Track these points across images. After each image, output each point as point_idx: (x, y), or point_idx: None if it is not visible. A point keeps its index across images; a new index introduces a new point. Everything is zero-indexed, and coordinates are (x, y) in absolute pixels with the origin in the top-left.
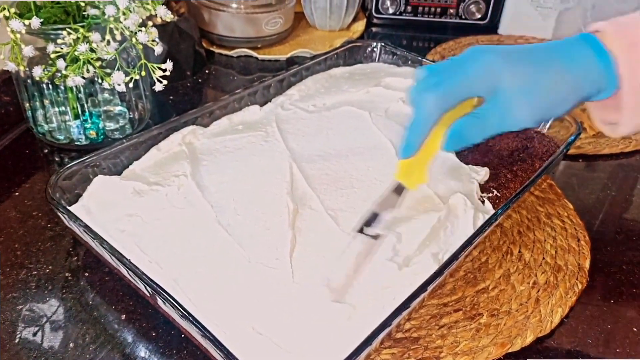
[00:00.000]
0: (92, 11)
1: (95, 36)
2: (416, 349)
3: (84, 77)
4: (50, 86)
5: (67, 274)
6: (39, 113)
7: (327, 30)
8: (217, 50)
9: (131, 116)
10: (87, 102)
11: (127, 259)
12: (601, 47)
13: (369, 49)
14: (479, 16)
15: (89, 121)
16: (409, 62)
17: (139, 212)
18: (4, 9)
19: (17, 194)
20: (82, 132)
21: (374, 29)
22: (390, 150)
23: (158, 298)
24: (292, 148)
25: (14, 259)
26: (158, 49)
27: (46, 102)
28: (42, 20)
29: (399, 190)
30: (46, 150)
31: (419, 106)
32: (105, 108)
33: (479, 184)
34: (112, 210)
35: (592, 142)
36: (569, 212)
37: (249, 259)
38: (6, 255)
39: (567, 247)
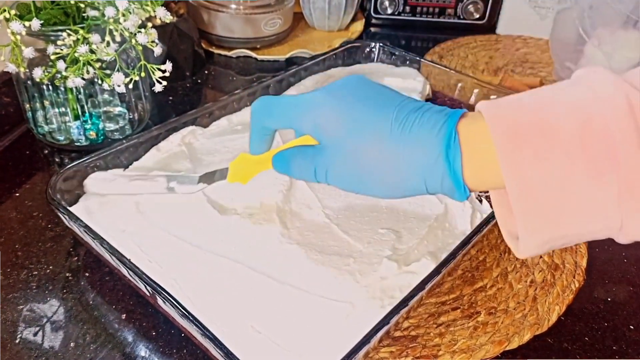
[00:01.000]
0: (91, 12)
1: (95, 37)
2: (414, 347)
3: (84, 78)
4: (50, 87)
5: (67, 274)
6: (39, 114)
7: (325, 31)
8: (216, 51)
9: (131, 117)
10: (87, 103)
11: (127, 258)
12: (453, 138)
13: (368, 49)
14: (477, 16)
15: (89, 122)
16: (408, 62)
17: (138, 212)
18: (5, 10)
19: (17, 194)
20: (82, 132)
21: (372, 29)
22: None
23: (158, 297)
24: None
25: (15, 260)
26: (157, 50)
27: (46, 103)
28: (42, 21)
29: (222, 174)
30: (46, 151)
31: (252, 115)
32: (105, 109)
33: None
34: (112, 211)
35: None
36: None
37: (247, 258)
38: (7, 256)
39: None
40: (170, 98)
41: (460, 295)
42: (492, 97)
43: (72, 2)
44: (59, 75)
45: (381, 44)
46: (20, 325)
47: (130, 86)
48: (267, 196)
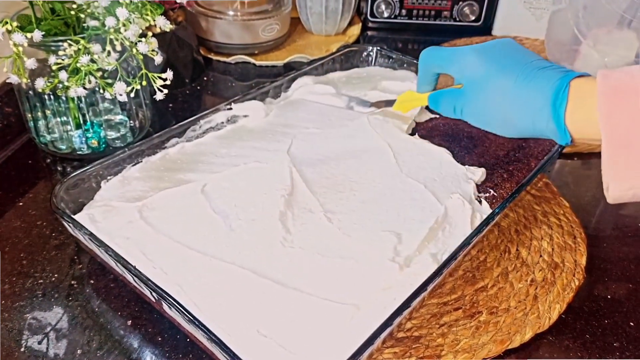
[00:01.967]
0: (92, 23)
1: (95, 47)
2: (417, 347)
3: (85, 88)
4: (51, 97)
5: (72, 282)
6: (41, 123)
7: (323, 35)
8: (214, 57)
9: (132, 124)
10: (88, 112)
11: (132, 265)
12: (563, 91)
13: (365, 53)
14: (473, 18)
15: (91, 130)
16: (405, 65)
17: (142, 219)
18: (7, 22)
19: (21, 204)
20: (83, 141)
21: (369, 33)
22: (388, 153)
23: (164, 303)
24: (292, 152)
25: (20, 268)
26: (158, 58)
27: (48, 112)
28: (43, 32)
29: (389, 103)
30: (48, 160)
31: (420, 58)
32: (106, 117)
33: (476, 184)
34: (116, 218)
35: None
36: (565, 210)
37: (251, 263)
38: (12, 265)
39: (564, 244)
40: (170, 105)
41: (461, 296)
42: None
43: (73, 12)
44: (61, 85)
45: (378, 48)
46: (25, 333)
47: (132, 95)
48: (269, 201)
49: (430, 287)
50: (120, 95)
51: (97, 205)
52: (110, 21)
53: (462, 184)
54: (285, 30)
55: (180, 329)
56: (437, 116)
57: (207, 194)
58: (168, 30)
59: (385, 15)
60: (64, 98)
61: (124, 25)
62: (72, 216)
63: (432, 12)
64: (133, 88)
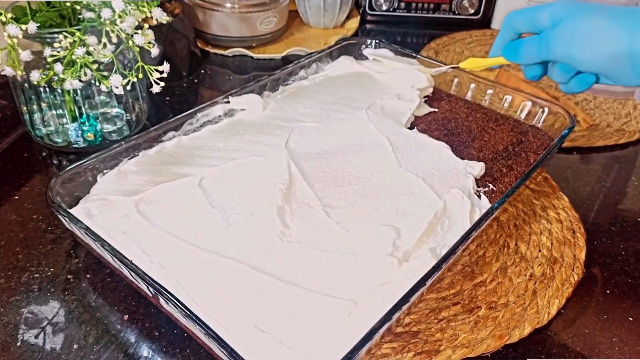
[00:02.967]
0: (87, 14)
1: (91, 39)
2: (416, 342)
3: (81, 81)
4: (47, 89)
5: (68, 276)
6: (37, 116)
7: (321, 28)
8: (212, 50)
9: (128, 118)
10: (84, 105)
11: (128, 260)
12: None
13: (364, 46)
14: (472, 11)
15: (87, 123)
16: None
17: (139, 213)
18: (1, 14)
19: (16, 197)
20: (79, 134)
21: (368, 26)
22: (386, 147)
23: (160, 298)
24: (290, 146)
25: (16, 262)
26: (154, 51)
27: (43, 105)
28: (38, 24)
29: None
30: (44, 154)
31: (503, 23)
32: (102, 110)
33: (475, 179)
34: (112, 212)
35: (585, 134)
36: (564, 204)
37: (248, 258)
38: (7, 259)
39: (563, 239)
40: (167, 98)
41: (460, 291)
42: (488, 91)
43: (68, 4)
44: (56, 78)
45: (377, 41)
46: (22, 327)
47: (128, 87)
48: (267, 195)
49: (429, 282)
50: (116, 88)
51: (93, 199)
52: (106, 13)
53: (461, 179)
54: (283, 23)
55: (177, 324)
56: (436, 110)
57: (204, 188)
58: (164, 22)
59: (384, 8)
60: (59, 91)
61: (119, 17)
62: (68, 210)
63: (431, 5)
64: (129, 81)
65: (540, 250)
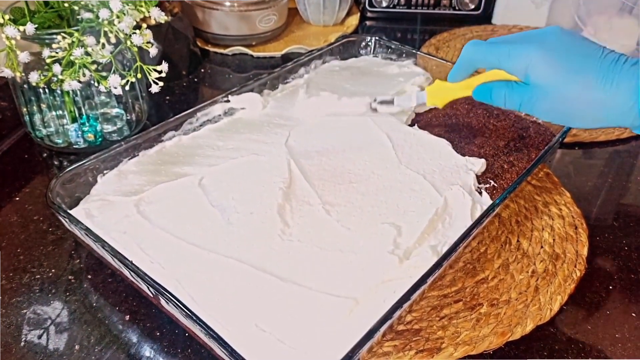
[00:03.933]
0: (85, 15)
1: (90, 40)
2: (418, 340)
3: (80, 81)
4: (46, 90)
5: (70, 277)
6: (37, 117)
7: (321, 26)
8: (211, 49)
9: (128, 118)
10: (84, 105)
11: (129, 260)
12: None
13: (364, 43)
14: (473, 7)
15: (87, 124)
16: (404, 55)
17: (139, 213)
18: None
19: (17, 198)
20: (80, 135)
21: (368, 23)
22: (387, 144)
23: (161, 298)
24: (290, 145)
25: (17, 264)
26: (153, 50)
27: (43, 106)
28: (36, 25)
29: (421, 97)
30: (45, 155)
31: (461, 52)
32: (102, 110)
33: (476, 175)
34: (113, 212)
35: (587, 129)
36: (566, 200)
37: (249, 257)
38: (9, 260)
39: (565, 235)
40: (167, 98)
41: (462, 288)
42: None
43: (66, 5)
44: (55, 79)
45: (377, 38)
46: (24, 328)
47: (127, 87)
48: (267, 194)
49: (430, 280)
50: (115, 88)
51: (93, 199)
52: (103, 13)
53: (462, 175)
54: (283, 21)
55: (178, 324)
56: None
57: (204, 187)
58: (163, 21)
59: (384, 4)
60: (59, 92)
61: (117, 17)
62: (68, 211)
63: (431, 1)
64: (128, 81)
65: (542, 247)
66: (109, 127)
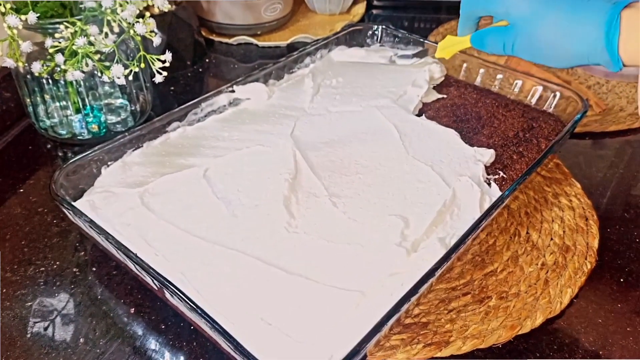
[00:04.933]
0: (88, 4)
1: (92, 29)
2: (425, 334)
3: (83, 71)
4: (50, 81)
5: (74, 269)
6: (40, 108)
7: (327, 15)
8: (216, 39)
9: (133, 108)
10: (87, 96)
11: (133, 253)
12: (615, 21)
13: (370, 32)
14: None
15: (91, 115)
16: (411, 44)
17: (143, 205)
18: (0, 4)
19: (21, 190)
20: (84, 126)
21: (374, 12)
22: (394, 134)
23: (166, 291)
24: (295, 135)
25: (22, 256)
26: (157, 40)
27: (47, 97)
28: (38, 14)
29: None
30: (49, 146)
31: (462, 2)
32: (106, 101)
33: (485, 166)
34: (117, 204)
35: (598, 119)
36: (576, 191)
37: (254, 249)
38: (13, 252)
39: (575, 226)
40: (172, 88)
41: (470, 280)
42: (498, 76)
43: None
44: (58, 69)
45: (384, 26)
46: (29, 321)
47: (131, 77)
48: (272, 186)
49: (438, 273)
50: (118, 78)
51: (97, 191)
52: (106, 2)
53: (470, 166)
54: (289, 10)
55: (184, 317)
56: (445, 96)
57: (209, 179)
58: (167, 10)
59: None
60: (62, 82)
61: (120, 5)
62: (72, 203)
63: None
64: (131, 71)
65: (552, 239)
66: (113, 118)
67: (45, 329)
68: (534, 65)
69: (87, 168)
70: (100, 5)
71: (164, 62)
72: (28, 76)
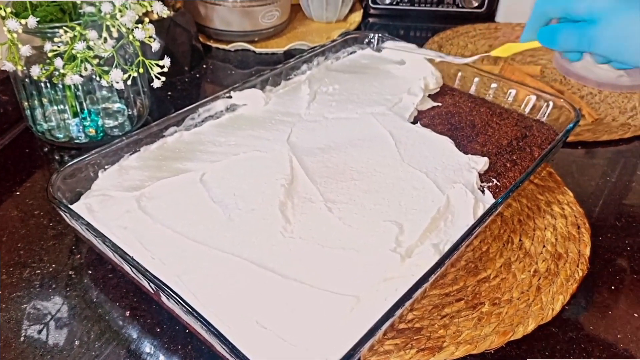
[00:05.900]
0: (88, 9)
1: (92, 34)
2: (419, 339)
3: (81, 76)
4: (48, 85)
5: (70, 272)
6: (38, 112)
7: (324, 22)
8: (214, 45)
9: (130, 113)
10: (85, 100)
11: (130, 256)
12: None
13: (367, 40)
14: (476, 4)
15: (88, 119)
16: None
17: (140, 208)
18: (0, 8)
19: (18, 193)
20: (81, 130)
21: (371, 20)
22: (389, 141)
23: (162, 294)
24: (292, 141)
25: (17, 258)
26: (155, 45)
27: (44, 100)
28: (38, 19)
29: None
30: (46, 149)
31: (535, 4)
32: (103, 105)
33: (479, 174)
34: (113, 208)
35: (591, 129)
36: (568, 199)
37: (250, 253)
38: (9, 255)
39: (568, 234)
40: (169, 93)
41: (464, 287)
42: (492, 85)
43: None
44: (57, 73)
45: (380, 35)
46: (24, 323)
47: (129, 82)
48: (268, 191)
49: (432, 278)
50: (117, 82)
51: (94, 194)
52: (106, 7)
53: (464, 173)
54: (286, 17)
55: (179, 320)
56: (440, 104)
57: (205, 183)
58: (166, 16)
59: (387, 1)
60: (60, 86)
61: (120, 11)
62: (69, 206)
63: None
64: (130, 76)
65: (544, 246)
66: (110, 122)
67: (40, 331)
68: (528, 75)
69: (84, 171)
70: (100, 11)
71: (162, 67)
72: (26, 80)
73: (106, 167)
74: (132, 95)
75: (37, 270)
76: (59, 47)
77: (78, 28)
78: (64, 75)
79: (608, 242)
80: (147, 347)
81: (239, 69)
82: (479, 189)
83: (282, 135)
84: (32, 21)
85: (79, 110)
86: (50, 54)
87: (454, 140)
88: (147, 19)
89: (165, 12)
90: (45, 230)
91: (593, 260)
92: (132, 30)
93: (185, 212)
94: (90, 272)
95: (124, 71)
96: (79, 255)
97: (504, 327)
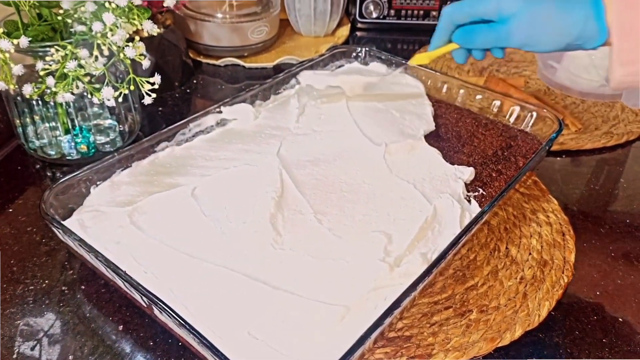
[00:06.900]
0: (79, 28)
1: (83, 52)
2: (409, 347)
3: (73, 94)
4: (40, 102)
5: (63, 288)
6: (30, 129)
7: (312, 37)
8: (204, 60)
9: (121, 129)
10: (77, 117)
11: (122, 270)
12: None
13: (355, 53)
14: None
15: (80, 135)
16: (393, 66)
17: (133, 223)
18: None
19: (10, 210)
20: (73, 146)
21: (358, 34)
22: (378, 153)
23: (154, 308)
24: (281, 154)
25: (10, 275)
26: (146, 63)
27: (36, 118)
28: (30, 38)
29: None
30: (38, 166)
31: (441, 16)
32: (95, 122)
33: (465, 184)
34: (106, 223)
35: (574, 137)
36: (553, 207)
37: (242, 266)
38: (2, 272)
39: (553, 241)
40: (160, 109)
41: (452, 295)
42: (477, 97)
43: (60, 17)
44: (49, 91)
45: (367, 48)
46: (17, 340)
47: (120, 99)
48: (259, 204)
49: (420, 287)
50: (108, 100)
51: (86, 210)
52: (97, 26)
53: (451, 184)
54: (274, 32)
55: (172, 334)
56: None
57: (197, 197)
58: (156, 34)
59: (374, 15)
60: (52, 103)
61: (110, 30)
62: (62, 222)
63: (421, 12)
64: (121, 93)
65: (530, 253)
66: (101, 139)
67: (34, 347)
68: (512, 87)
69: (77, 188)
70: (91, 30)
71: (153, 84)
72: (18, 98)
73: (98, 183)
74: (123, 112)
75: (30, 287)
76: (50, 65)
77: (69, 47)
78: (55, 93)
79: (592, 248)
80: None
81: (229, 83)
82: (465, 198)
83: (272, 148)
84: (24, 41)
85: (70, 127)
86: (42, 73)
87: (441, 151)
88: (137, 37)
89: (155, 31)
90: (38, 247)
91: (577, 266)
92: (123, 48)
93: (177, 226)
94: (83, 287)
95: (115, 89)
96: (71, 271)
97: (492, 333)
